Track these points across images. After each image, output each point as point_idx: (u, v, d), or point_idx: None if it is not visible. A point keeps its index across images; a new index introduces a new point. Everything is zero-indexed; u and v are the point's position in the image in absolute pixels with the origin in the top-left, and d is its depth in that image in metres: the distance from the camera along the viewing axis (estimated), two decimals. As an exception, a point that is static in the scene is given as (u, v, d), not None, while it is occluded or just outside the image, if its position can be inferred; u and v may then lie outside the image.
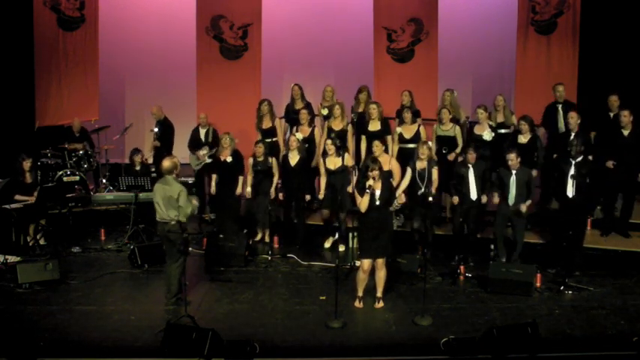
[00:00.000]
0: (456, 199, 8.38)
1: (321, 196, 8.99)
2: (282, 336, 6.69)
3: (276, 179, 9.22)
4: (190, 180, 10.79)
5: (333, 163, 8.81)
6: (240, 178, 9.21)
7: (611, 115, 9.12)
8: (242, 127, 10.42)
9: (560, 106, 9.46)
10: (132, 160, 10.06)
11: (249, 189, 9.17)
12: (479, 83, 12.06)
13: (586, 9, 10.72)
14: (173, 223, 7.19)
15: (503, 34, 11.54)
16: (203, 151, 9.97)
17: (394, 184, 8.31)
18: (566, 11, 10.83)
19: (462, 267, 8.29)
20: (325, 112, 9.85)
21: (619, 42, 10.62)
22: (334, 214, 9.02)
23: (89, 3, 11.44)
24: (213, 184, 9.39)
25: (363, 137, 9.44)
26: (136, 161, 9.99)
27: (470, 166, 8.32)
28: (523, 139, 8.92)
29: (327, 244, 9.22)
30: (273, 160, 9.18)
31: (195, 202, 7.51)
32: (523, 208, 8.15)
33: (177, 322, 6.59)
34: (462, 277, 8.22)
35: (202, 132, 10.30)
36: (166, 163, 7.29)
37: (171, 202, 7.16)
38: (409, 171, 8.49)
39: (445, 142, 9.24)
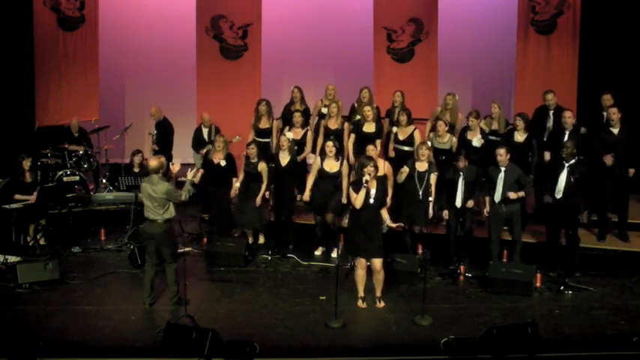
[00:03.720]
0: (446, 214, 8.30)
1: (305, 196, 8.73)
2: (282, 336, 6.69)
3: (264, 187, 8.95)
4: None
5: (331, 166, 8.67)
6: (234, 180, 9.11)
7: (605, 114, 9.11)
8: (242, 126, 10.39)
9: (551, 112, 9.38)
10: (132, 161, 10.06)
11: (237, 184, 9.01)
12: (479, 83, 12.07)
13: (586, 9, 10.72)
14: (160, 221, 7.19)
15: (503, 35, 11.55)
16: (207, 150, 9.96)
17: (389, 186, 8.33)
18: (566, 11, 10.83)
19: (462, 267, 8.29)
20: (325, 110, 9.84)
21: (619, 42, 10.61)
22: (323, 217, 8.92)
23: (89, 3, 11.44)
24: (198, 175, 9.07)
25: (352, 136, 9.39)
26: (135, 162, 9.99)
27: (460, 172, 8.19)
28: (519, 137, 8.90)
29: (318, 253, 9.07)
30: (262, 166, 8.91)
31: (187, 186, 7.38)
32: (512, 195, 7.92)
33: (177, 322, 6.59)
34: (462, 277, 8.21)
35: (205, 131, 10.31)
36: (153, 162, 7.30)
37: (158, 201, 7.17)
38: (405, 169, 8.38)
39: (441, 153, 9.09)
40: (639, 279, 8.19)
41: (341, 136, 9.44)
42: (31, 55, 11.15)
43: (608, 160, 8.64)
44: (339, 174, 8.64)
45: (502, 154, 8.00)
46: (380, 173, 7.76)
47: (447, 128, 9.16)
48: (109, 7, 11.86)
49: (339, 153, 8.81)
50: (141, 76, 12.55)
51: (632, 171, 8.71)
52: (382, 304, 7.35)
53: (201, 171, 9.15)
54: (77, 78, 11.51)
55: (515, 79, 11.15)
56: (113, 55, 12.07)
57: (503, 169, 8.02)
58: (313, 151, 9.57)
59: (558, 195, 7.96)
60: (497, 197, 8.03)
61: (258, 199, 8.95)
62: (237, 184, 9.05)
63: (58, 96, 11.45)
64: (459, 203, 8.19)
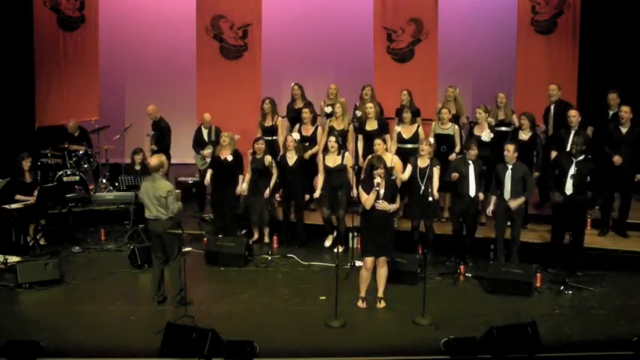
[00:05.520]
0: (455, 175, 8.24)
1: (316, 194, 8.98)
2: (282, 336, 6.69)
3: (274, 178, 9.19)
4: (191, 180, 10.80)
5: (333, 160, 8.79)
6: (241, 177, 9.22)
7: (610, 113, 9.10)
8: (242, 127, 10.42)
9: (552, 107, 9.46)
10: (132, 160, 10.07)
11: (245, 185, 9.15)
12: (479, 83, 12.06)
13: (586, 9, 10.72)
14: (165, 219, 7.19)
15: (503, 35, 11.53)
16: (208, 151, 9.98)
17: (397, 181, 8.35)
18: (566, 11, 10.82)
19: (462, 267, 8.29)
20: (329, 110, 9.85)
21: (619, 42, 10.61)
22: (334, 213, 9.01)
23: (89, 3, 11.44)
24: (208, 177, 9.35)
25: (360, 137, 9.44)
26: (137, 161, 10.00)
27: (470, 162, 8.28)
28: (524, 135, 8.91)
29: (328, 242, 9.22)
30: (268, 159, 9.11)
31: (180, 204, 7.48)
32: (512, 204, 8.04)
33: (177, 322, 6.59)
34: (461, 277, 8.22)
35: (205, 132, 10.31)
36: (153, 161, 7.34)
37: (160, 200, 7.17)
38: (409, 167, 8.47)
39: (443, 141, 9.22)
40: (639, 279, 8.19)
41: (345, 136, 9.45)
42: (31, 55, 11.14)
43: (617, 160, 8.62)
44: (341, 168, 8.72)
45: (510, 150, 8.04)
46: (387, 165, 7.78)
47: (450, 116, 9.26)
48: (109, 7, 11.86)
49: (342, 148, 8.85)
50: (141, 76, 12.55)
51: (639, 176, 8.71)
52: (383, 304, 7.34)
53: (210, 172, 9.22)
54: (77, 78, 11.50)
55: (516, 79, 11.14)
56: (113, 55, 12.07)
57: (510, 166, 8.05)
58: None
59: (568, 191, 7.97)
60: (507, 195, 8.05)
61: (267, 193, 9.08)
62: (244, 185, 9.10)
63: (58, 96, 11.44)
64: (472, 192, 8.22)
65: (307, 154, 9.41)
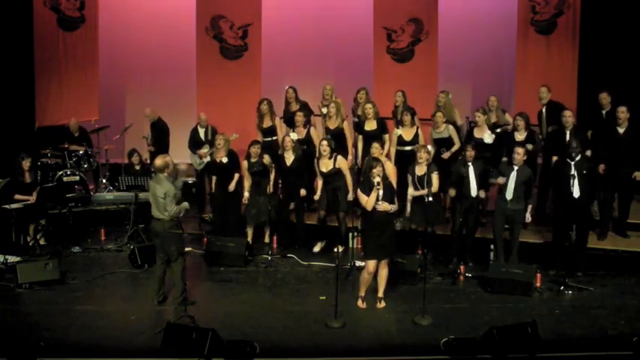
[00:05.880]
0: (452, 192, 8.30)
1: (316, 196, 8.94)
2: (282, 336, 6.69)
3: (273, 176, 9.17)
4: (191, 180, 10.79)
5: (325, 165, 8.71)
6: (236, 176, 9.17)
7: (603, 112, 9.10)
8: (242, 126, 10.42)
9: (543, 110, 9.49)
10: (130, 161, 10.08)
11: (246, 194, 9.08)
12: (478, 83, 12.06)
13: (586, 9, 10.72)
14: (165, 219, 7.20)
15: (503, 34, 11.54)
16: (204, 150, 9.98)
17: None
18: (566, 11, 10.82)
19: (462, 267, 8.30)
20: (325, 110, 9.84)
21: (619, 42, 10.61)
22: (332, 214, 8.98)
23: (89, 3, 11.45)
24: (213, 186, 9.38)
25: (360, 137, 9.42)
26: (134, 162, 10.00)
27: (469, 164, 8.29)
28: (519, 136, 8.93)
29: (317, 249, 9.17)
30: (267, 158, 9.06)
31: (184, 204, 7.45)
32: (528, 217, 8.16)
33: (177, 322, 6.59)
34: (462, 277, 8.22)
35: (201, 131, 10.31)
36: (158, 162, 7.35)
37: (158, 200, 7.19)
38: (411, 183, 8.44)
39: (442, 144, 9.24)
40: (639, 279, 8.19)
41: (342, 135, 9.44)
42: (31, 55, 11.15)
43: (601, 168, 8.63)
44: (332, 172, 8.67)
45: (520, 154, 8.07)
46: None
47: (444, 119, 9.25)
48: (109, 7, 11.86)
49: (335, 151, 8.82)
50: (141, 76, 12.56)
51: (638, 174, 8.71)
52: (383, 304, 7.34)
53: (214, 179, 9.23)
54: (77, 78, 11.50)
55: (516, 79, 11.14)
56: (113, 55, 12.08)
57: (516, 167, 8.06)
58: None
59: (576, 194, 7.96)
60: (509, 195, 8.06)
61: (271, 187, 9.08)
62: (245, 193, 9.07)
63: (58, 96, 11.45)
64: (474, 192, 8.23)
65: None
